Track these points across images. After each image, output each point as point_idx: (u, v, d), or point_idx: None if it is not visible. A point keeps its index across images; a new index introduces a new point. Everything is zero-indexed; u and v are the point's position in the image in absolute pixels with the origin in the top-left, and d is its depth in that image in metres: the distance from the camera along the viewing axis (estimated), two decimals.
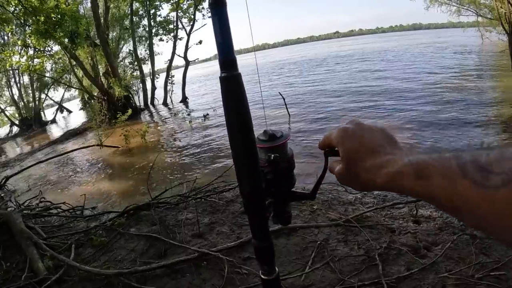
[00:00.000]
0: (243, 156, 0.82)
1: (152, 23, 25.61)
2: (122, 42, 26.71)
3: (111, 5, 23.01)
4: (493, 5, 15.05)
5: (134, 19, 25.20)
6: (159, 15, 25.99)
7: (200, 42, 25.68)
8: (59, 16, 14.72)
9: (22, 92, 33.20)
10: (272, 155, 0.87)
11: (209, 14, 0.79)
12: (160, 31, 26.12)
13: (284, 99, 13.09)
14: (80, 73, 23.54)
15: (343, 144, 0.76)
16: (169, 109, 23.64)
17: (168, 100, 26.21)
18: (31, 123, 31.58)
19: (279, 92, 14.33)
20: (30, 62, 19.96)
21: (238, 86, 0.79)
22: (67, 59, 21.86)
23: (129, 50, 27.17)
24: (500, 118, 9.39)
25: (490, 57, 23.55)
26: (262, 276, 0.95)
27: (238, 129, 0.80)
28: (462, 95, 12.17)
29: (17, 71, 29.16)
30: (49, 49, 19.01)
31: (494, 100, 11.30)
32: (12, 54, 20.16)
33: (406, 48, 40.64)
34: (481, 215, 0.50)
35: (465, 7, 28.25)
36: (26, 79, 32.60)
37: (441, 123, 9.17)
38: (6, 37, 25.81)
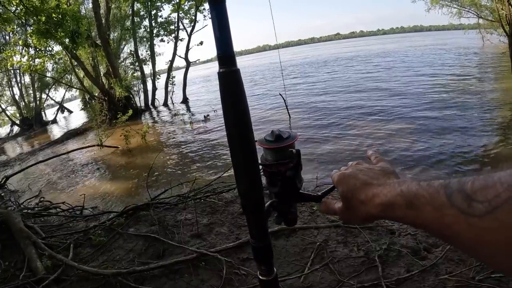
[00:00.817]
0: (240, 153, 0.80)
1: (153, 24, 25.66)
2: (123, 43, 26.75)
3: (113, 6, 23.04)
4: (494, 7, 15.05)
5: (135, 20, 25.23)
6: (160, 16, 26.10)
7: (201, 43, 25.72)
8: (60, 16, 14.72)
9: (23, 92, 33.28)
10: (294, 150, 0.88)
11: (210, 15, 0.78)
12: (161, 32, 26.14)
13: (284, 100, 13.10)
14: (81, 73, 23.55)
15: (341, 185, 0.80)
16: (170, 110, 23.65)
17: (169, 101, 26.25)
18: (32, 123, 31.66)
19: (279, 93, 14.35)
20: (31, 62, 19.98)
21: (236, 82, 0.78)
22: (68, 59, 21.88)
23: (130, 50, 27.24)
24: (500, 120, 9.39)
25: (491, 59, 23.59)
26: (260, 277, 0.94)
27: (235, 126, 0.79)
28: (463, 97, 12.16)
29: (18, 71, 29.18)
30: (50, 49, 18.97)
31: (494, 102, 11.29)
32: (13, 54, 20.15)
33: (407, 50, 40.68)
34: (469, 243, 0.52)
35: (466, 9, 28.27)
36: (27, 79, 32.66)
37: (442, 126, 9.15)
38: (7, 37, 25.84)
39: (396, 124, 9.93)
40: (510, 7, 11.40)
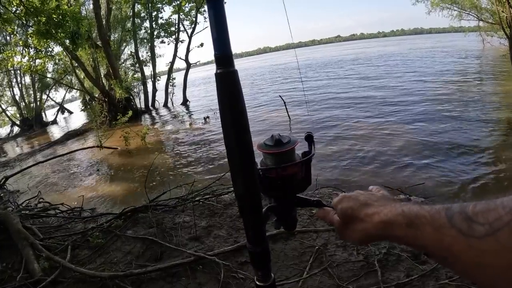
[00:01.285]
0: (237, 156, 0.79)
1: (154, 25, 25.66)
2: (124, 44, 26.83)
3: (113, 7, 23.06)
4: (495, 9, 15.09)
5: (136, 21, 25.30)
6: (161, 17, 26.06)
7: (202, 44, 25.76)
8: (60, 16, 14.72)
9: (24, 93, 33.29)
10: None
11: (208, 15, 0.76)
12: (162, 33, 26.14)
13: (284, 102, 13.11)
14: (81, 74, 23.58)
15: (341, 203, 0.81)
16: (170, 111, 23.71)
17: (169, 102, 26.31)
18: (32, 124, 31.72)
19: (279, 95, 14.36)
20: (31, 63, 20.00)
21: (234, 84, 0.77)
22: (68, 60, 21.90)
23: (131, 52, 27.33)
24: (501, 123, 9.40)
25: (491, 62, 23.65)
26: (257, 283, 0.92)
27: (232, 128, 0.78)
28: (463, 100, 12.18)
29: (18, 71, 29.21)
30: (50, 49, 18.99)
31: (495, 105, 11.32)
32: (14, 54, 20.17)
33: (408, 53, 40.68)
34: (467, 264, 0.53)
35: (466, 12, 28.42)
36: (27, 79, 32.70)
37: (441, 130, 9.15)
38: (8, 37, 25.86)
39: (396, 127, 9.93)
40: (510, 9, 11.43)
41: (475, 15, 28.32)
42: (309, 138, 0.91)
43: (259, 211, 0.84)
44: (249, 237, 0.88)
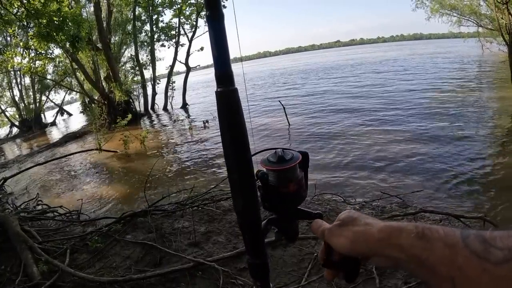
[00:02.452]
0: (237, 175, 0.80)
1: (154, 29, 25.70)
2: (124, 47, 26.77)
3: (114, 10, 23.07)
4: (494, 15, 15.15)
5: (136, 24, 25.29)
6: (162, 21, 26.11)
7: (202, 48, 25.76)
8: (61, 19, 14.72)
9: (23, 94, 33.22)
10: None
11: (208, 33, 0.77)
12: (162, 37, 26.20)
13: (284, 107, 13.11)
14: (81, 76, 23.56)
15: (344, 214, 0.75)
16: (169, 115, 23.70)
17: (169, 106, 26.28)
18: (31, 125, 31.62)
19: (279, 101, 14.36)
20: (31, 64, 19.98)
21: (234, 102, 0.78)
22: (68, 62, 21.88)
23: (131, 55, 27.28)
24: (499, 129, 9.43)
25: (490, 68, 23.73)
26: None
27: (232, 147, 0.79)
28: (462, 106, 12.19)
29: (18, 72, 29.17)
30: (51, 51, 19.00)
31: (494, 111, 11.37)
32: (14, 55, 20.15)
33: (408, 59, 40.67)
34: None
35: (465, 18, 28.46)
36: (27, 80, 32.65)
37: (440, 135, 9.16)
38: (8, 38, 25.87)
39: (394, 133, 9.94)
40: (510, 16, 11.47)
41: (474, 21, 28.39)
42: (305, 157, 0.92)
43: (259, 226, 0.85)
44: (249, 250, 0.89)
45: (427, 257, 0.54)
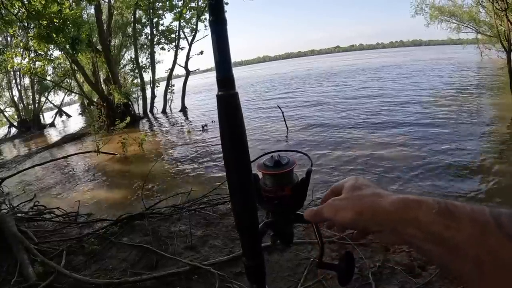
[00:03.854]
0: (236, 176, 0.81)
1: (154, 32, 25.71)
2: (124, 49, 26.82)
3: (115, 12, 23.12)
4: (493, 22, 15.24)
5: (136, 27, 25.34)
6: (162, 24, 26.11)
7: (201, 52, 25.73)
8: (61, 21, 14.74)
9: (22, 94, 33.20)
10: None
11: (211, 37, 0.78)
12: (162, 40, 26.21)
13: (282, 112, 13.13)
14: (81, 78, 23.56)
15: (348, 181, 0.70)
16: (168, 118, 23.68)
17: (167, 109, 26.24)
18: (30, 126, 31.60)
19: (277, 105, 14.38)
20: (31, 65, 19.99)
21: (234, 106, 0.78)
22: (68, 63, 21.90)
23: (131, 57, 27.34)
24: (497, 136, 9.47)
25: (489, 74, 23.84)
26: None
27: (232, 150, 0.79)
28: (461, 113, 12.24)
29: (18, 72, 29.16)
30: (50, 53, 19.02)
31: (492, 118, 11.43)
32: (14, 56, 20.16)
33: (406, 65, 40.75)
34: None
35: (465, 24, 28.62)
36: (27, 81, 32.63)
37: (438, 141, 9.18)
38: (9, 38, 25.87)
39: (393, 138, 9.96)
40: (509, 23, 11.54)
41: (473, 28, 28.56)
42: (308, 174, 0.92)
43: (256, 229, 0.86)
44: (245, 252, 0.89)
45: (451, 236, 0.48)
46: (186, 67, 25.87)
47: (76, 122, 32.86)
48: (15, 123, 33.31)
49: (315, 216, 0.72)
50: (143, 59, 27.45)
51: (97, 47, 21.25)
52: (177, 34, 25.89)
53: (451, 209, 0.50)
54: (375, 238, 0.63)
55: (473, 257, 0.46)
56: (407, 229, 0.54)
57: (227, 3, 22.87)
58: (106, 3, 21.98)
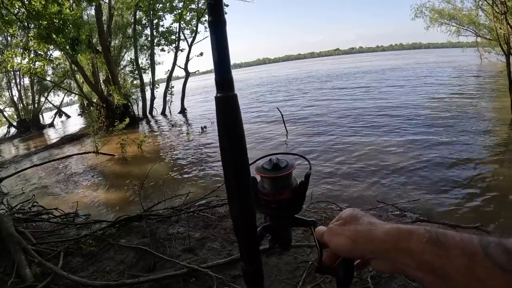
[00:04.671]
0: (234, 179, 0.80)
1: (155, 33, 25.70)
2: (124, 50, 26.85)
3: (115, 13, 23.13)
4: (492, 25, 15.28)
5: (137, 28, 25.36)
6: (162, 25, 26.14)
7: (201, 54, 25.72)
8: (61, 22, 14.75)
9: (22, 94, 33.19)
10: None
11: (210, 39, 0.77)
12: (162, 41, 26.20)
13: (282, 115, 13.13)
14: (81, 79, 23.56)
15: (347, 210, 0.72)
16: (168, 119, 23.69)
17: (167, 111, 26.26)
18: (29, 126, 31.61)
19: (277, 108, 14.38)
20: (31, 65, 19.99)
21: (233, 108, 0.78)
22: (68, 64, 21.90)
23: (130, 58, 27.36)
24: (496, 139, 9.50)
25: (488, 77, 23.98)
26: None
27: (231, 152, 0.78)
28: (460, 116, 12.29)
29: (18, 72, 29.16)
30: (50, 53, 19.03)
31: (491, 121, 11.49)
32: (14, 55, 20.15)
33: (407, 67, 40.84)
34: None
35: (464, 28, 28.71)
36: (26, 81, 32.63)
37: (437, 145, 9.19)
38: (9, 38, 25.87)
39: (391, 142, 9.95)
40: (508, 26, 11.56)
41: (473, 31, 28.65)
42: (307, 178, 0.91)
43: (254, 232, 0.85)
44: (243, 256, 0.88)
45: (442, 265, 0.50)
46: (186, 69, 25.88)
47: (75, 123, 32.83)
48: (15, 123, 33.30)
49: (320, 235, 0.75)
50: (143, 60, 27.50)
51: (97, 48, 21.27)
52: (177, 35, 25.95)
53: (441, 238, 0.52)
54: (373, 267, 0.65)
55: (463, 286, 0.48)
56: (400, 258, 0.56)
57: (227, 5, 22.97)
58: (106, 4, 21.98)
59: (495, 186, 6.39)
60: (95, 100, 23.72)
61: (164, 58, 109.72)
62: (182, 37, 25.93)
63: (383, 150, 9.33)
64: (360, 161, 8.65)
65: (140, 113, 25.30)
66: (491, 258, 0.46)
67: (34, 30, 15.56)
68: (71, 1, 16.80)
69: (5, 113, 33.60)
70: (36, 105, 33.13)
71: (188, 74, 26.38)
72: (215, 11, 0.74)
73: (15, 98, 33.32)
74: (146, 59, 27.34)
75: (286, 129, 12.88)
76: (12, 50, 21.28)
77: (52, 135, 26.42)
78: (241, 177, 0.79)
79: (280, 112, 13.35)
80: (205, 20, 23.41)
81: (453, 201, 5.94)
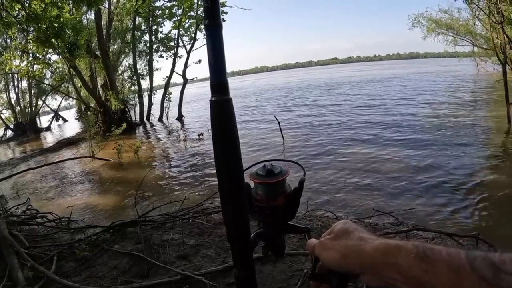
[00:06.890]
0: (228, 184, 0.80)
1: (153, 39, 25.80)
2: (122, 56, 26.86)
3: (114, 18, 23.18)
4: (489, 35, 15.42)
5: (135, 34, 25.43)
6: (161, 32, 26.26)
7: (200, 61, 25.78)
8: (60, 25, 14.78)
9: (20, 97, 33.13)
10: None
11: (206, 42, 0.77)
12: (161, 48, 26.31)
13: (279, 123, 13.13)
14: (78, 83, 23.55)
15: (339, 224, 0.73)
16: (165, 125, 23.69)
17: (164, 117, 26.25)
18: (26, 129, 31.51)
19: (274, 116, 14.39)
20: (29, 68, 19.97)
21: (228, 112, 0.78)
22: (66, 68, 21.90)
23: (129, 64, 27.34)
24: (492, 148, 9.58)
25: (485, 87, 24.14)
26: None
27: (224, 156, 0.78)
28: (457, 125, 12.34)
29: (16, 75, 29.13)
30: (49, 57, 19.04)
31: (488, 130, 11.58)
32: (13, 58, 20.14)
33: (405, 77, 40.97)
34: None
35: (461, 37, 28.97)
36: (24, 83, 32.60)
37: (433, 154, 9.21)
38: (8, 40, 25.87)
39: (387, 151, 9.96)
40: (505, 36, 11.66)
41: (470, 41, 28.94)
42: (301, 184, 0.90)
43: (247, 238, 0.84)
44: (236, 263, 0.87)
45: (429, 280, 0.51)
46: (183, 76, 25.89)
47: (72, 127, 32.83)
48: (11, 126, 33.20)
49: (311, 247, 0.76)
50: (141, 66, 27.52)
51: (96, 53, 21.29)
52: (175, 42, 26.05)
53: (428, 253, 0.53)
54: (362, 282, 0.66)
55: None
56: (389, 273, 0.57)
57: (226, 13, 23.07)
58: (106, 9, 22.02)
59: (492, 195, 6.40)
60: (92, 105, 23.68)
61: (162, 64, 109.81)
62: (180, 43, 26.05)
63: (379, 159, 9.33)
64: (357, 169, 8.64)
65: (138, 119, 25.25)
66: (478, 272, 0.47)
67: (34, 33, 15.57)
68: (71, 5, 16.81)
69: (2, 115, 33.59)
70: (33, 108, 33.08)
71: (186, 81, 26.38)
72: (212, 14, 0.75)
73: (13, 101, 33.22)
74: (145, 65, 27.41)
75: (282, 136, 12.87)
76: (11, 52, 21.26)
77: (49, 139, 26.39)
78: (235, 182, 0.79)
79: (277, 119, 13.34)
80: (203, 23, 23.66)
81: (449, 209, 5.93)
